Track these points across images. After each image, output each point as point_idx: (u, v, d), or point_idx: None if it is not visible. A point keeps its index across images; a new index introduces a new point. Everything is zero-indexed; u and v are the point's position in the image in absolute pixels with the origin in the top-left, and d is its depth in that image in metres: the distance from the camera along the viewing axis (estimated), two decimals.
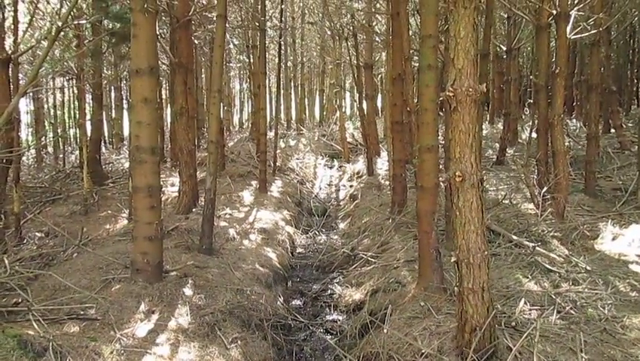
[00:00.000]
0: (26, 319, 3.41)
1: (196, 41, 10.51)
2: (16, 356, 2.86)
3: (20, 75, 9.02)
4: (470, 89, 2.89)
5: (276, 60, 14.69)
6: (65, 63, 9.38)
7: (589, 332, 3.37)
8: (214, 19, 8.25)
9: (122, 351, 3.28)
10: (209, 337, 3.77)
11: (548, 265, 4.59)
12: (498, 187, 8.16)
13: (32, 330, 3.16)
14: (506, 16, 12.45)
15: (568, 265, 4.58)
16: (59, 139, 17.51)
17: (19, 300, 3.72)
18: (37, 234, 6.98)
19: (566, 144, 9.14)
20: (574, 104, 15.40)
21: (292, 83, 23.69)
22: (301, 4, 18.94)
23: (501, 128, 11.63)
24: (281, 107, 19.17)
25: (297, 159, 14.68)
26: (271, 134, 12.31)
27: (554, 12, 5.97)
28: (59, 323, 3.47)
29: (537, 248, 4.88)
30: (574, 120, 13.78)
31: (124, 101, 19.86)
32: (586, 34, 6.82)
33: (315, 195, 11.71)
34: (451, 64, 2.94)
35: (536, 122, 7.55)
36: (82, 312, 3.69)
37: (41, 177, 11.53)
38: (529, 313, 3.65)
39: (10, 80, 6.19)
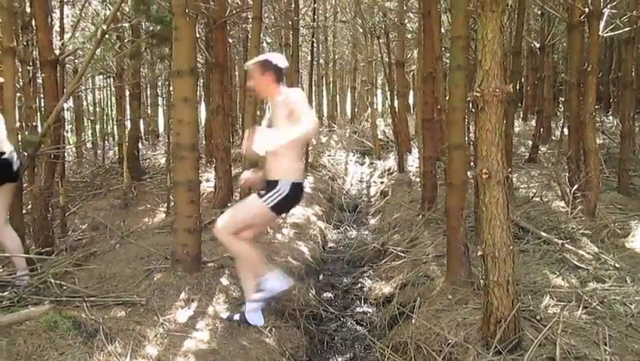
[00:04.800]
0: (78, 303, 3.67)
1: (230, 40, 10.77)
2: (71, 335, 3.11)
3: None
4: (497, 90, 3.00)
5: (309, 58, 14.89)
6: (107, 63, 9.77)
7: (615, 327, 3.43)
8: (249, 18, 8.49)
9: (165, 335, 3.51)
10: (245, 324, 3.96)
11: (576, 262, 4.64)
12: (529, 185, 8.16)
13: (84, 313, 3.41)
14: (539, 12, 12.33)
15: (596, 263, 4.63)
16: (98, 136, 18.08)
17: (71, 286, 3.99)
18: (81, 226, 7.34)
19: (601, 141, 9.10)
20: (611, 100, 15.14)
21: (324, 81, 23.86)
22: (334, 3, 19.06)
23: (534, 125, 11.55)
24: (313, 104, 19.33)
25: (329, 155, 14.84)
26: None
27: (586, 10, 5.98)
28: (106, 308, 3.72)
29: (566, 245, 4.93)
30: (610, 117, 13.56)
31: (159, 99, 20.35)
32: (620, 31, 6.78)
33: (346, 192, 11.85)
34: (478, 65, 3.06)
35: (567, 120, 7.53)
36: (127, 298, 3.94)
37: (82, 173, 12.00)
38: (555, 308, 3.74)
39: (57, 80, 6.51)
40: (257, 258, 3.81)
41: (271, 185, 3.62)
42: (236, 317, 3.90)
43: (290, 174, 3.59)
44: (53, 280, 3.95)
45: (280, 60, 3.75)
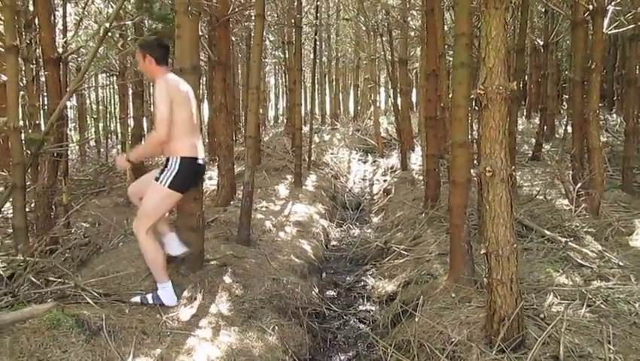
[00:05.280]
0: (81, 301, 3.67)
1: (232, 38, 10.77)
2: (74, 333, 3.12)
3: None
4: (501, 88, 2.99)
5: (311, 56, 14.88)
6: (109, 61, 9.77)
7: (619, 326, 3.42)
8: (251, 16, 8.48)
9: (168, 333, 3.51)
10: (248, 322, 3.97)
11: (580, 260, 4.63)
12: (532, 183, 8.14)
13: (86, 311, 3.42)
14: (543, 10, 12.29)
15: (600, 261, 4.61)
16: (101, 134, 18.11)
17: (74, 284, 3.99)
18: (83, 224, 7.34)
19: (604, 139, 9.07)
20: (615, 98, 15.09)
21: (327, 79, 23.84)
22: (336, 0, 19.04)
23: (538, 123, 11.52)
24: (316, 102, 19.34)
25: (332, 153, 14.83)
26: (306, 129, 12.50)
27: (590, 7, 5.95)
28: (109, 306, 3.72)
29: (570, 243, 4.91)
30: (614, 115, 13.51)
31: None
32: (624, 28, 6.75)
33: (349, 190, 11.85)
34: (482, 63, 3.04)
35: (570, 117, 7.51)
36: (130, 296, 3.94)
37: (85, 171, 12.02)
38: (559, 306, 3.72)
39: (60, 79, 6.51)
40: (164, 264, 3.88)
41: (165, 164, 3.76)
42: (149, 297, 3.90)
43: (179, 151, 3.70)
44: (56, 279, 3.95)
45: (160, 41, 3.91)
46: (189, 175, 3.82)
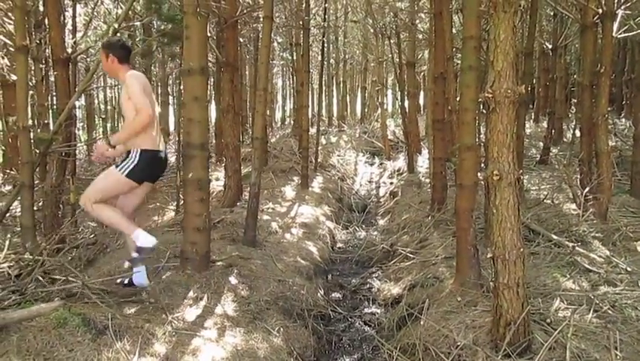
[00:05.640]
0: (87, 300, 3.69)
1: (240, 40, 10.79)
2: (80, 332, 3.13)
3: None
4: (509, 91, 2.98)
5: (319, 58, 14.89)
6: None
7: (626, 332, 3.39)
8: (260, 18, 8.50)
9: (173, 333, 3.52)
10: (253, 324, 3.97)
11: (587, 265, 4.60)
12: (540, 187, 8.10)
13: (93, 310, 3.43)
14: (552, 13, 12.24)
15: (608, 266, 4.58)
16: (109, 134, 18.18)
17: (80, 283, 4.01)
18: (90, 223, 7.38)
19: (613, 143, 9.02)
20: (624, 102, 15.00)
21: (334, 80, 23.84)
22: (344, 2, 19.05)
23: (546, 127, 11.48)
24: (323, 104, 19.35)
25: (338, 155, 14.83)
26: (313, 130, 12.50)
27: (600, 11, 5.93)
28: (116, 305, 3.73)
29: (577, 248, 4.89)
30: (623, 119, 13.43)
31: (170, 98, 20.42)
32: (634, 32, 6.71)
33: (356, 192, 11.84)
34: (490, 66, 3.04)
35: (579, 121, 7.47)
36: (136, 296, 3.95)
37: (92, 170, 12.06)
38: (565, 311, 3.70)
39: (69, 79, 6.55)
40: (122, 217, 3.94)
41: (126, 155, 3.89)
42: (126, 281, 3.99)
43: (140, 144, 3.84)
44: (63, 277, 3.97)
45: (122, 42, 4.04)
46: (148, 167, 3.94)
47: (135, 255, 3.92)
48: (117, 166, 3.89)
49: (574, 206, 6.48)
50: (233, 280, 4.56)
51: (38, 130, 4.77)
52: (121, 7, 8.87)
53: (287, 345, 3.93)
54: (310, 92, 19.78)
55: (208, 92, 17.64)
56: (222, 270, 4.69)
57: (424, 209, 7.55)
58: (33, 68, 5.66)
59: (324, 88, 17.41)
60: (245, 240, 5.65)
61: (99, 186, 3.88)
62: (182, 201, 5.84)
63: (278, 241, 6.14)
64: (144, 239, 3.89)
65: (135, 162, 3.83)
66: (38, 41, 6.20)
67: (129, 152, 3.89)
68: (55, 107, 7.11)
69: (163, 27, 7.22)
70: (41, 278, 3.91)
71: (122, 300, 3.87)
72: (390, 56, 12.98)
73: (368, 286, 5.89)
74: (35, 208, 4.69)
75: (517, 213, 3.07)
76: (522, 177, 6.05)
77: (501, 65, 2.97)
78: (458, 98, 4.67)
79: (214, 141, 12.28)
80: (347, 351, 4.45)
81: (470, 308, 3.89)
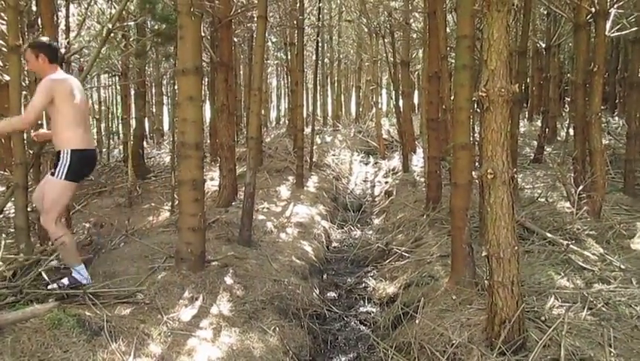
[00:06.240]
0: (82, 301, 3.68)
1: (235, 39, 10.78)
2: (75, 333, 3.12)
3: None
4: (503, 90, 2.99)
5: (313, 57, 14.89)
6: (112, 62, 9.79)
7: (620, 329, 3.41)
8: (254, 17, 8.49)
9: (169, 333, 3.51)
10: (249, 323, 3.97)
11: (582, 263, 4.63)
12: (534, 185, 8.13)
13: (88, 311, 3.42)
14: (545, 12, 12.29)
15: (602, 264, 4.61)
16: (103, 134, 18.12)
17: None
18: (85, 224, 7.35)
19: (606, 142, 9.06)
20: (617, 101, 15.08)
21: (328, 80, 23.85)
22: (339, 2, 19.05)
23: (540, 125, 11.52)
24: (318, 104, 19.34)
25: (333, 155, 14.83)
26: (308, 130, 12.51)
27: (593, 10, 5.95)
28: (110, 306, 3.73)
29: (571, 246, 4.91)
30: (616, 118, 13.50)
31: (165, 98, 20.38)
32: (627, 31, 6.74)
33: (351, 191, 11.84)
34: (484, 65, 3.05)
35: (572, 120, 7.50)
36: (132, 296, 3.95)
37: None
38: (560, 309, 3.72)
39: None
40: (76, 249, 4.11)
41: (57, 157, 3.94)
42: (65, 281, 3.98)
43: (69, 143, 3.91)
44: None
45: (51, 42, 4.13)
46: (81, 165, 4.00)
47: (65, 281, 3.93)
48: (52, 174, 3.95)
49: (568, 204, 6.51)
50: (228, 280, 4.55)
51: (32, 131, 4.74)
52: (115, 7, 8.84)
53: (282, 345, 3.93)
54: (305, 92, 19.78)
55: (203, 92, 17.63)
56: (217, 270, 4.68)
57: (419, 208, 7.57)
58: (26, 68, 5.63)
59: (318, 87, 17.43)
60: (241, 240, 5.64)
61: (52, 202, 3.91)
62: (177, 202, 5.82)
63: (273, 240, 6.14)
64: (83, 275, 3.99)
65: (68, 163, 3.89)
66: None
67: (59, 153, 3.94)
68: None
69: (157, 27, 7.19)
70: (36, 279, 3.91)
71: (117, 301, 3.86)
72: (384, 55, 13.00)
73: (363, 285, 5.90)
74: (29, 209, 4.67)
75: (512, 212, 3.08)
76: (516, 176, 6.08)
77: (494, 64, 2.98)
78: (452, 97, 4.68)
79: (208, 141, 12.26)
80: (343, 350, 4.46)
81: (465, 307, 3.90)
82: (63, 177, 3.88)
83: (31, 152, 4.86)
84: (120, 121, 14.40)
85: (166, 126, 20.90)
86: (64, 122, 3.90)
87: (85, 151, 4.01)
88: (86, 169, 4.16)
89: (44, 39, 4.23)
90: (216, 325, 3.79)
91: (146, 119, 15.28)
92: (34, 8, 6.20)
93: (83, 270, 4.03)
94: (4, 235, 4.73)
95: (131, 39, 9.45)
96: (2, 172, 9.70)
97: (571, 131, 7.83)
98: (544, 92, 13.26)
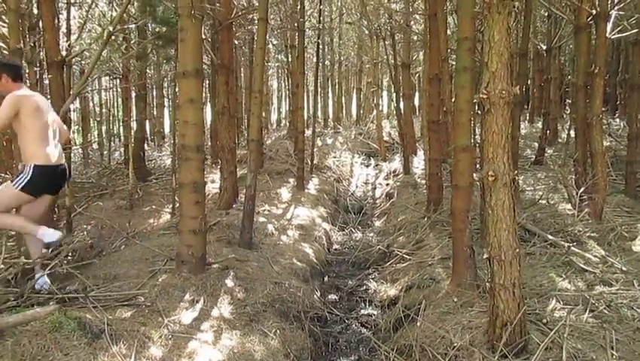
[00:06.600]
0: (83, 304, 3.68)
1: (235, 42, 10.78)
2: (76, 336, 3.12)
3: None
4: (504, 92, 2.99)
5: (314, 59, 14.89)
6: (113, 64, 9.80)
7: (622, 331, 3.41)
8: (255, 20, 8.50)
9: (170, 336, 3.51)
10: (250, 326, 3.96)
11: (583, 265, 4.62)
12: (535, 187, 8.13)
13: (89, 314, 3.42)
14: (546, 14, 12.29)
15: (603, 266, 4.60)
16: (104, 137, 18.15)
17: (76, 287, 4.00)
18: (86, 227, 7.35)
19: (607, 143, 9.05)
20: (618, 103, 15.06)
21: (329, 82, 23.86)
22: (339, 4, 19.07)
23: (541, 127, 11.51)
24: (319, 106, 19.35)
25: (334, 157, 14.83)
26: (308, 132, 12.50)
27: (593, 12, 5.95)
28: (111, 309, 3.72)
29: (573, 248, 4.90)
30: (617, 120, 13.48)
31: (165, 100, 20.40)
32: (627, 33, 6.74)
33: (352, 193, 11.84)
34: (485, 67, 3.04)
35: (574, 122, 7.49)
36: (132, 299, 3.94)
37: (87, 173, 12.03)
38: (561, 311, 3.71)
39: (64, 81, 6.52)
40: (24, 221, 4.04)
41: (20, 171, 3.98)
42: (37, 284, 4.01)
43: (32, 158, 3.93)
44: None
45: (13, 62, 4.18)
46: (41, 181, 4.00)
47: (45, 251, 4.02)
48: (12, 181, 4.00)
49: (569, 206, 6.50)
50: (229, 282, 4.55)
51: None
52: (116, 10, 8.86)
53: (283, 347, 3.93)
54: (305, 94, 19.77)
55: (204, 95, 17.65)
56: (218, 272, 4.68)
57: (420, 210, 7.56)
58: (27, 71, 5.63)
59: (319, 90, 17.43)
60: (241, 242, 5.64)
61: None
62: (178, 204, 5.82)
63: (274, 243, 6.13)
64: (50, 235, 4.00)
65: (28, 177, 3.91)
66: (32, 44, 6.18)
67: (24, 166, 3.97)
68: None
69: (157, 29, 7.20)
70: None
71: (118, 304, 3.86)
72: (385, 57, 12.99)
73: (364, 287, 5.89)
74: None
75: (513, 214, 3.08)
76: (517, 178, 6.06)
77: (495, 66, 2.98)
78: (453, 100, 4.69)
79: (209, 143, 12.27)
80: (344, 353, 4.45)
81: (466, 309, 3.89)
82: (19, 187, 3.90)
83: None
84: (121, 123, 14.43)
85: (166, 129, 20.89)
86: (29, 137, 3.92)
87: (48, 167, 4.01)
88: (48, 184, 4.14)
89: (6, 59, 4.29)
90: (217, 327, 3.79)
91: (147, 121, 15.31)
92: (35, 11, 6.20)
93: (45, 228, 4.03)
94: (5, 238, 4.72)
95: (132, 42, 9.47)
96: (3, 175, 9.71)
97: (572, 133, 7.83)
98: (545, 94, 13.24)
